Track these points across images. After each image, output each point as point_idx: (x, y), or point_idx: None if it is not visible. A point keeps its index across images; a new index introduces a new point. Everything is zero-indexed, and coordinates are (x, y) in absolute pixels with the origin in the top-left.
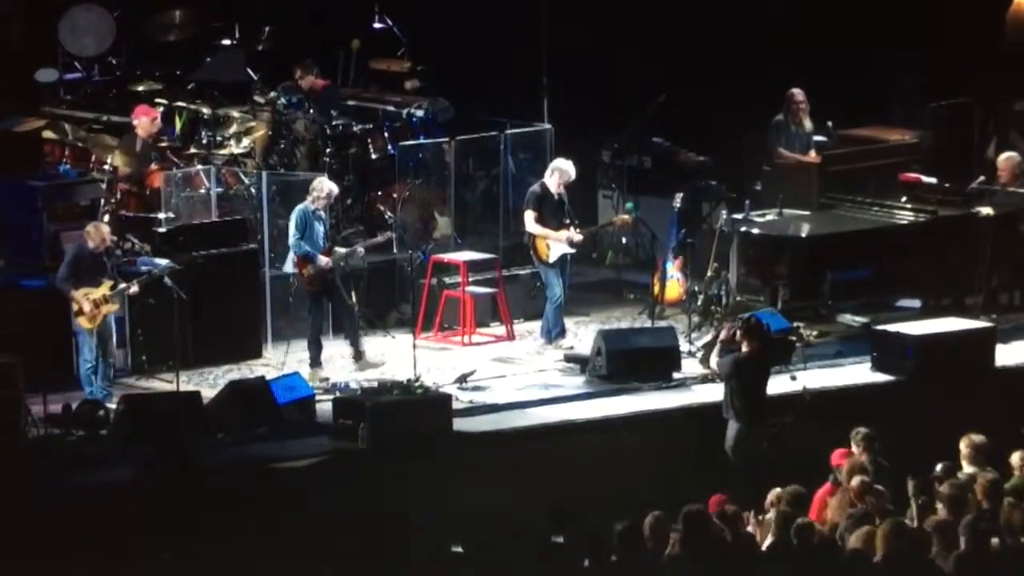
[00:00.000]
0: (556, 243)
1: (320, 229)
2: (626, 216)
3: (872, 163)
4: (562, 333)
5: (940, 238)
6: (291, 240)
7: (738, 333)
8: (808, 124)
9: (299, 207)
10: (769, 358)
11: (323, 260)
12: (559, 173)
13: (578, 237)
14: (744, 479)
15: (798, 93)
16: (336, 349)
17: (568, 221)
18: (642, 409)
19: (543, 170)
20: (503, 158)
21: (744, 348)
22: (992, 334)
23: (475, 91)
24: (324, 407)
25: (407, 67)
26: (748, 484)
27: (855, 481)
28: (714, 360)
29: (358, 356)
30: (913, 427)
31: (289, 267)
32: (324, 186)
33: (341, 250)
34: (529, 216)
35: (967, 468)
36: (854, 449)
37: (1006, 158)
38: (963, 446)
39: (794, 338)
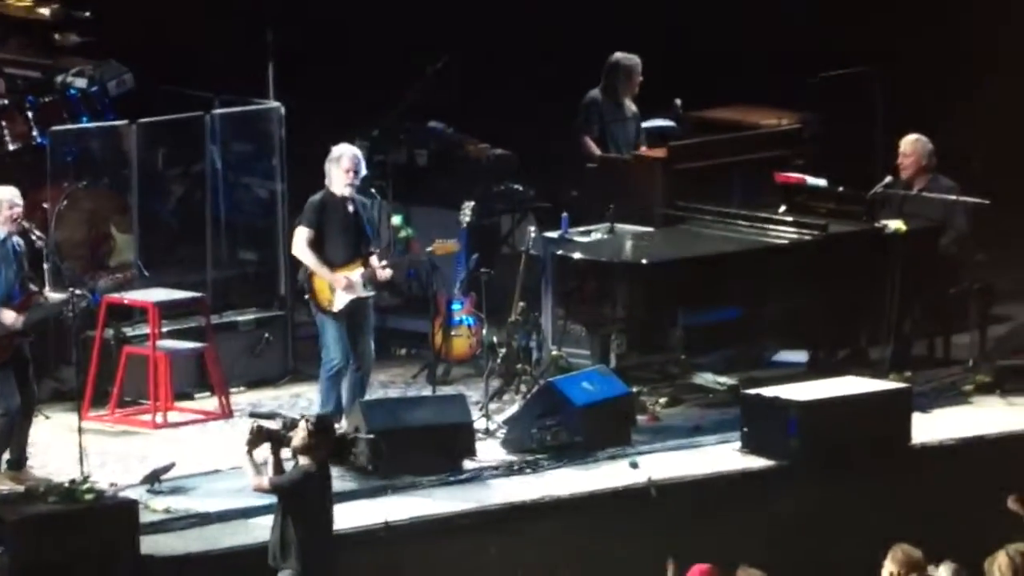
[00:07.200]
0: (342, 283)
1: (7, 269)
2: (450, 242)
3: (736, 157)
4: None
5: (833, 264)
6: None
7: (304, 435)
8: (633, 106)
9: None
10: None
11: (9, 316)
12: (348, 162)
13: (385, 273)
14: None
15: (638, 62)
16: None
17: (369, 249)
18: (421, 514)
19: (269, 167)
20: (208, 150)
21: (307, 458)
22: (907, 399)
23: (166, 50)
24: None
25: (58, 12)
26: None
27: None
28: (256, 478)
29: (17, 464)
30: (801, 530)
31: None
32: (8, 196)
33: (54, 296)
34: (300, 236)
35: None
36: None
37: (912, 141)
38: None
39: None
